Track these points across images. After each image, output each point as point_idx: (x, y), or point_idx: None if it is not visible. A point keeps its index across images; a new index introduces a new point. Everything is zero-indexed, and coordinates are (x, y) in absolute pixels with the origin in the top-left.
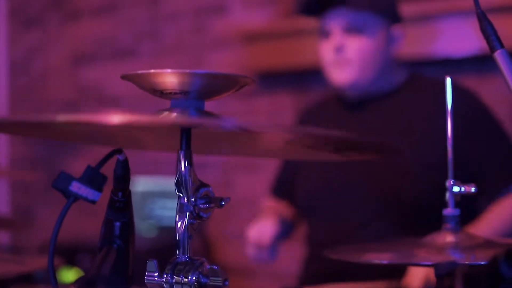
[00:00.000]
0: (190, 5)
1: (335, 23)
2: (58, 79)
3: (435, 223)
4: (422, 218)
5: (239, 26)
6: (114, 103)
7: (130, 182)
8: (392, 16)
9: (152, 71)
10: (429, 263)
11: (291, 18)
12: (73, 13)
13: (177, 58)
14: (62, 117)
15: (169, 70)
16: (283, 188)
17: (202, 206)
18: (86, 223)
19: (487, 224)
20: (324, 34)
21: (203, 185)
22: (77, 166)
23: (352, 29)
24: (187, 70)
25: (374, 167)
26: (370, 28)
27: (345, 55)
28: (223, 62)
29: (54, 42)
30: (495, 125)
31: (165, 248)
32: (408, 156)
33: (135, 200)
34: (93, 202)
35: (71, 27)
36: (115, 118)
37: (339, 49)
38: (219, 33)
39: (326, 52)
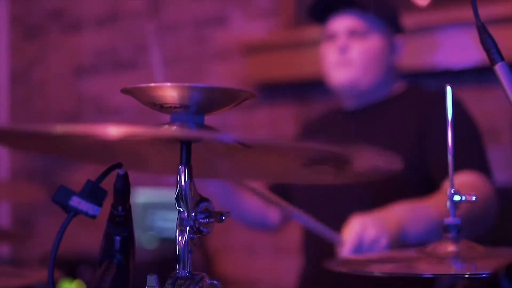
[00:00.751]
0: (191, 17)
1: (340, 26)
2: (58, 90)
3: None
4: None
5: (240, 38)
6: (115, 115)
7: (131, 194)
8: (395, 26)
9: (151, 84)
10: (430, 274)
11: (291, 29)
12: (73, 24)
13: (177, 70)
14: (60, 128)
15: (168, 84)
16: (277, 188)
17: (202, 220)
18: (87, 235)
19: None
20: (329, 37)
21: (203, 199)
22: (78, 177)
23: (357, 32)
24: (187, 84)
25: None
26: (374, 33)
27: (348, 56)
28: (223, 74)
29: (54, 52)
30: (467, 121)
31: (166, 260)
32: (405, 166)
33: (135, 211)
34: (93, 217)
35: (71, 38)
36: (113, 130)
37: (343, 50)
38: (219, 45)
39: (329, 53)
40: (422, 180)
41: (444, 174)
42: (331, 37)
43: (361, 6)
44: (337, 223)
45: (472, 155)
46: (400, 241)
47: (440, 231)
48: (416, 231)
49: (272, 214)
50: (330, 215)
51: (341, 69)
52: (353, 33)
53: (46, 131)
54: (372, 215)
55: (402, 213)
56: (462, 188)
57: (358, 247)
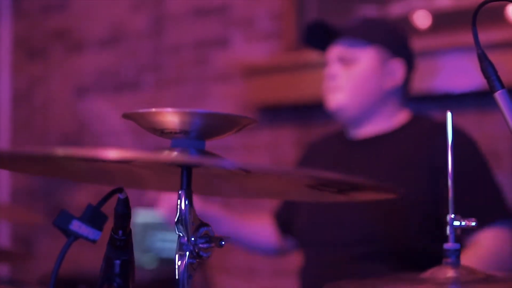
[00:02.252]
0: (192, 38)
1: (332, 54)
2: (60, 111)
3: (429, 259)
4: (416, 254)
5: (241, 60)
6: (116, 136)
7: (131, 216)
8: (392, 49)
9: (152, 110)
10: None
11: (293, 52)
12: (76, 44)
13: (179, 91)
14: (61, 152)
15: (169, 110)
16: (282, 216)
17: (202, 245)
18: (87, 255)
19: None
20: (326, 64)
21: (203, 224)
22: (79, 199)
23: (345, 59)
24: (188, 110)
25: (368, 203)
26: (362, 59)
27: (337, 83)
28: (224, 96)
29: (57, 73)
30: (482, 165)
31: (165, 280)
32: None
33: (135, 231)
34: (94, 241)
35: (74, 58)
36: (113, 154)
37: (332, 77)
38: (221, 67)
39: (324, 80)
40: (431, 211)
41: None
42: (326, 64)
43: (351, 34)
44: (338, 232)
45: (490, 206)
46: None
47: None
48: None
49: (275, 240)
50: (331, 225)
51: (331, 95)
52: (342, 60)
53: (46, 154)
54: None
55: None
56: (489, 258)
57: None
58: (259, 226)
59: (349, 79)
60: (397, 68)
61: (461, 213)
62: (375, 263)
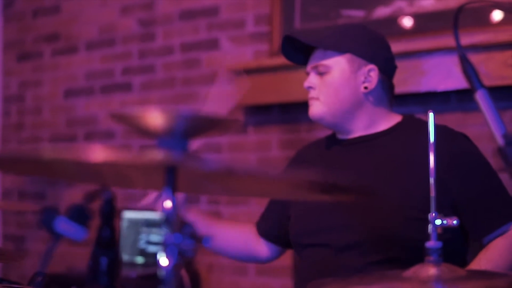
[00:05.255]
0: (181, 41)
1: (308, 66)
2: (51, 113)
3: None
4: (410, 254)
5: (229, 62)
6: (107, 137)
7: (117, 212)
8: (364, 57)
9: (137, 111)
10: None
11: (280, 54)
12: (66, 47)
13: (167, 92)
14: (48, 153)
15: (154, 110)
16: (264, 225)
17: (187, 244)
18: (83, 256)
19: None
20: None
21: (187, 223)
22: (70, 198)
23: (319, 70)
24: (172, 111)
25: (362, 204)
26: (334, 68)
27: (313, 93)
28: (212, 97)
29: (47, 75)
30: (484, 167)
31: (152, 277)
32: (394, 194)
33: (122, 228)
34: (80, 240)
35: (64, 60)
36: (97, 154)
37: (308, 88)
38: (209, 68)
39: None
40: (424, 213)
41: (483, 231)
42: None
43: (322, 45)
44: (327, 232)
45: (502, 207)
46: None
47: None
48: None
49: (261, 247)
50: (321, 224)
51: (311, 106)
52: (316, 71)
53: (35, 156)
54: None
55: None
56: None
57: None
58: (235, 233)
59: (324, 88)
60: (370, 73)
61: (473, 215)
62: (370, 266)
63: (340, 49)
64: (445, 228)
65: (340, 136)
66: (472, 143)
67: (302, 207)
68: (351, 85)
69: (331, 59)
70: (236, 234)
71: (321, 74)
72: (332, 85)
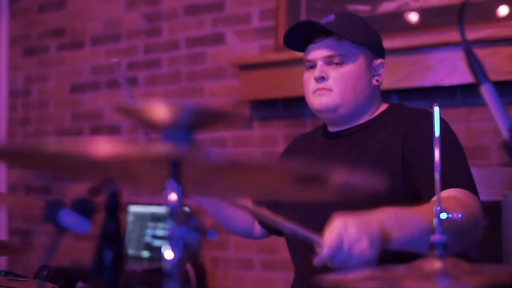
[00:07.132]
0: (186, 35)
1: (318, 55)
2: (57, 107)
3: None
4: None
5: (234, 56)
6: (113, 131)
7: (122, 206)
8: (374, 50)
9: (142, 104)
10: None
11: (284, 48)
12: (72, 42)
13: (172, 87)
14: (52, 147)
15: (158, 103)
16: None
17: (192, 237)
18: (84, 247)
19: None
20: (308, 65)
21: (193, 216)
22: (75, 190)
23: (334, 60)
24: (177, 104)
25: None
26: (351, 59)
27: (326, 85)
28: (218, 91)
29: (53, 70)
30: (450, 139)
31: (157, 271)
32: (390, 184)
33: (127, 222)
34: (85, 233)
35: (70, 55)
36: (101, 148)
37: (321, 79)
38: (214, 63)
39: (309, 82)
40: (409, 199)
41: (431, 193)
42: (310, 65)
43: (337, 34)
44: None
45: (457, 172)
46: (383, 245)
47: (427, 239)
48: (400, 236)
49: (256, 228)
50: (314, 228)
51: (321, 97)
52: (330, 62)
53: (39, 150)
54: (354, 216)
55: (386, 217)
56: (449, 203)
57: (339, 247)
58: (238, 211)
59: (339, 80)
60: (380, 67)
61: (429, 175)
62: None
63: (357, 41)
64: (395, 189)
65: (331, 129)
66: (443, 119)
67: (292, 210)
68: (367, 78)
69: (348, 50)
70: (239, 212)
71: (336, 64)
72: (350, 77)
